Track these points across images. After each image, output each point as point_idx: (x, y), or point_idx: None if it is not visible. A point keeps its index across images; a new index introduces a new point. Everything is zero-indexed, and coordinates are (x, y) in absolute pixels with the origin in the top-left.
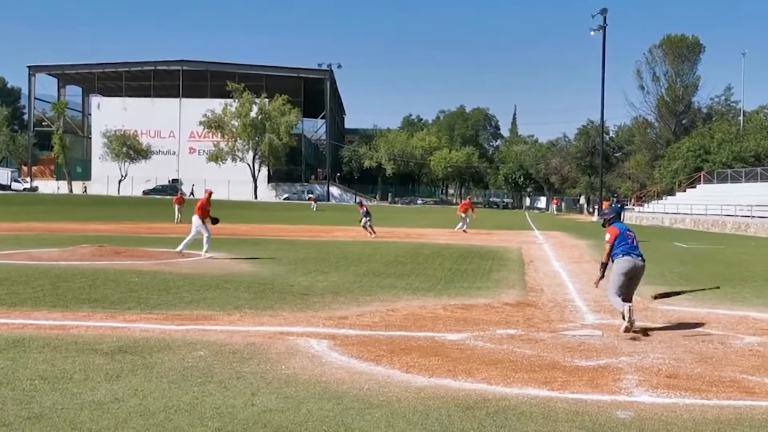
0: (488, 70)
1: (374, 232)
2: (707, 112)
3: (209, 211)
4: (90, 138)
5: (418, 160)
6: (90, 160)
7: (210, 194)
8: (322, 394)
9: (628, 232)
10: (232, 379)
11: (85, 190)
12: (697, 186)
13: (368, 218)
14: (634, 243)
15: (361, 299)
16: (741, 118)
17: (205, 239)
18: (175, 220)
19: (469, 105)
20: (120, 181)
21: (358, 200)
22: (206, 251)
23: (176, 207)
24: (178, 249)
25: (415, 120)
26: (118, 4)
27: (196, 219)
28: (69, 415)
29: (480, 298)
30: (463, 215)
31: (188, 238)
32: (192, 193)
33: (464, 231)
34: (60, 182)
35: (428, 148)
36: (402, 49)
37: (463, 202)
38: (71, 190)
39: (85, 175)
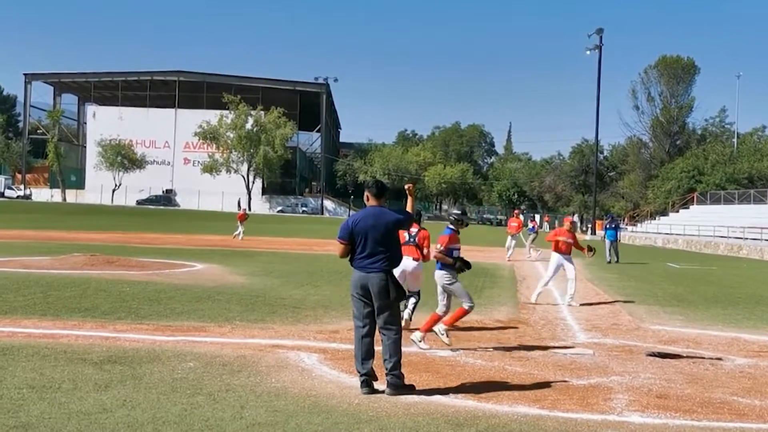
0: (484, 88)
1: None
2: (701, 134)
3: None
4: (85, 147)
5: (413, 175)
6: (84, 169)
7: (572, 222)
8: (312, 408)
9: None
10: (221, 391)
11: (29, 196)
12: (691, 207)
13: None
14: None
15: None
16: (735, 140)
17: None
18: (239, 236)
19: (465, 121)
20: (114, 191)
21: None
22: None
23: (239, 223)
24: (532, 299)
25: (410, 135)
26: (115, 13)
27: (554, 255)
28: (56, 425)
29: (472, 315)
30: (512, 235)
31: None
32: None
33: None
34: (54, 190)
35: (423, 164)
36: (398, 65)
37: (514, 218)
38: (65, 199)
39: (79, 184)
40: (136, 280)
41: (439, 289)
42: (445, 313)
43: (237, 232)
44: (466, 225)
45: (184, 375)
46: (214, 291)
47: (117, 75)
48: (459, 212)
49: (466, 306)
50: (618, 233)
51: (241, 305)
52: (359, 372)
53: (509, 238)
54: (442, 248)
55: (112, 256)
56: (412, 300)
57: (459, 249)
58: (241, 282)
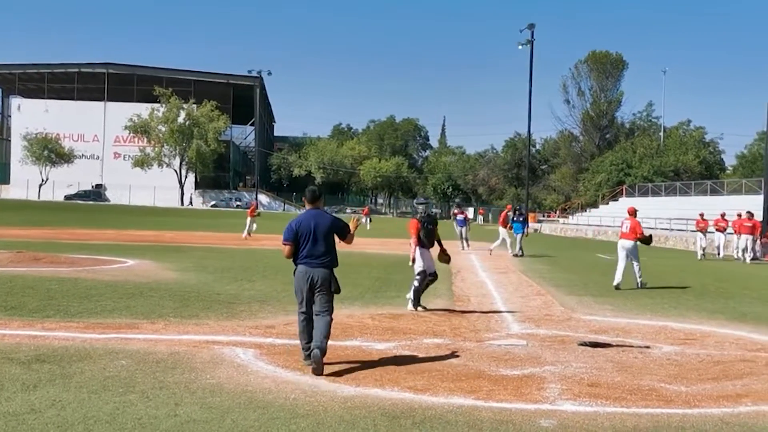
0: (418, 81)
1: None
2: (630, 127)
3: None
4: (9, 140)
5: (348, 169)
6: (9, 164)
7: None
8: (248, 404)
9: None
10: (154, 389)
11: None
12: (620, 199)
13: None
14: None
15: (289, 308)
16: (661, 133)
17: None
18: (249, 233)
19: (399, 115)
20: (41, 186)
21: None
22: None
23: (248, 219)
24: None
25: (345, 129)
26: (39, 3)
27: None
28: None
29: (409, 306)
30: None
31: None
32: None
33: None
34: None
35: (358, 158)
36: (333, 58)
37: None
38: None
39: (4, 179)
40: (65, 277)
41: None
42: None
43: (251, 229)
44: None
45: (115, 373)
46: (147, 287)
47: (42, 66)
48: None
49: None
50: (525, 227)
51: (174, 301)
52: (305, 350)
53: (503, 232)
54: None
55: (39, 252)
56: (417, 280)
57: None
58: (174, 278)
